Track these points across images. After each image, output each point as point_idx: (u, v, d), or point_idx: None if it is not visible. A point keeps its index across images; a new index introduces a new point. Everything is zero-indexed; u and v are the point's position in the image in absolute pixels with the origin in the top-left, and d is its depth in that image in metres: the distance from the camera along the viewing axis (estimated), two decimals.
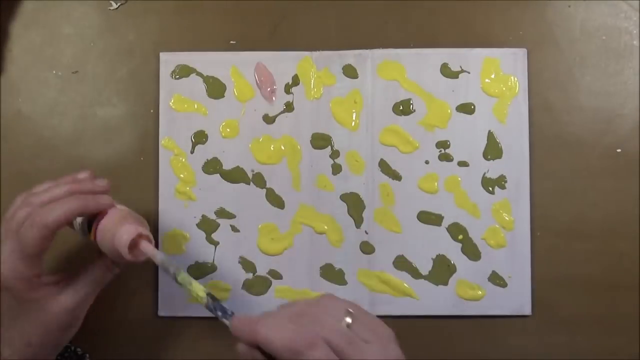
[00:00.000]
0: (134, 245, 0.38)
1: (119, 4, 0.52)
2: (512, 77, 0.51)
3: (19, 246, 0.38)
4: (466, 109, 0.51)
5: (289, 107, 0.51)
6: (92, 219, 0.40)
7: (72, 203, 0.38)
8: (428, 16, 0.52)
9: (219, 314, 0.37)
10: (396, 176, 0.51)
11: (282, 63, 0.51)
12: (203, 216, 0.51)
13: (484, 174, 0.51)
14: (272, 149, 0.51)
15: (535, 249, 0.50)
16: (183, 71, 0.51)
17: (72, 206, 0.38)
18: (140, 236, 0.39)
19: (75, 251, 0.51)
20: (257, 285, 0.50)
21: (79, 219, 0.41)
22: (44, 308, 0.39)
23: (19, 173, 0.51)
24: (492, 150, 0.51)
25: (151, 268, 0.50)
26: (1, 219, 0.41)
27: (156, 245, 0.50)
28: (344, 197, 0.51)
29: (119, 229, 0.38)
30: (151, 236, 0.39)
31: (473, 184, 0.51)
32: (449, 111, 0.51)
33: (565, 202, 0.51)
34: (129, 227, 0.38)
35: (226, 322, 0.36)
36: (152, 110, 0.51)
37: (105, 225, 0.39)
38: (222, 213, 0.51)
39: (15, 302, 0.39)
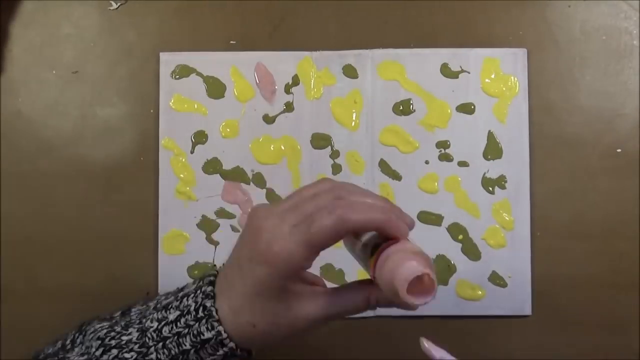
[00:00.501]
0: (415, 286, 0.32)
1: (119, 4, 0.52)
2: (512, 77, 0.51)
3: (306, 227, 0.34)
4: (466, 109, 0.51)
5: (289, 107, 0.51)
6: (379, 243, 0.35)
7: (379, 213, 0.34)
8: (428, 16, 0.52)
9: None
10: (396, 176, 0.51)
11: (282, 63, 0.51)
12: (203, 216, 0.51)
13: (484, 174, 0.51)
14: (272, 149, 0.51)
15: (535, 249, 0.50)
16: (183, 71, 0.51)
17: (378, 216, 0.34)
18: (425, 278, 0.32)
19: None
20: None
21: (365, 237, 0.36)
22: (287, 303, 0.35)
23: (19, 173, 0.51)
24: (492, 150, 0.51)
25: (151, 268, 0.50)
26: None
27: (156, 245, 0.50)
28: None
29: (405, 262, 0.32)
30: (435, 281, 0.33)
31: (473, 184, 0.51)
32: (449, 111, 0.51)
33: (565, 202, 0.51)
34: (417, 263, 0.32)
35: None
36: (152, 110, 0.51)
37: (393, 252, 0.33)
38: (222, 213, 0.51)
39: (267, 285, 0.35)
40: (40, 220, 0.51)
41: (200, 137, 0.51)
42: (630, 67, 0.51)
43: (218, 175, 0.51)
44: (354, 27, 0.52)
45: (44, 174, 0.51)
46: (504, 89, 0.51)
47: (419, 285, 0.32)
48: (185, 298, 0.36)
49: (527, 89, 0.51)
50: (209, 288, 0.36)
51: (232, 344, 0.35)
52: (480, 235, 0.50)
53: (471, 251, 0.50)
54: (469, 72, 0.51)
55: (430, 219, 0.51)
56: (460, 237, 0.50)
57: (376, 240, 0.35)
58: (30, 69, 0.52)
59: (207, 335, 0.35)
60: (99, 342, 0.37)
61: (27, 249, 0.51)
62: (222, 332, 0.35)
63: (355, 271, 0.50)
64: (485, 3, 0.51)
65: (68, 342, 0.38)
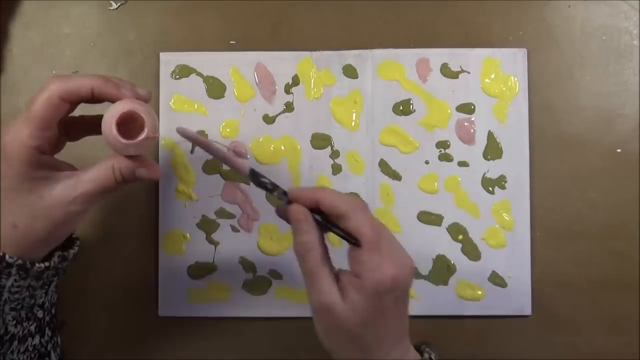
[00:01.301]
0: (134, 130, 0.36)
1: (119, 4, 0.52)
2: (512, 77, 0.51)
3: (26, 112, 0.36)
4: (466, 109, 0.51)
5: (289, 107, 0.51)
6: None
7: (91, 78, 0.37)
8: (428, 16, 0.52)
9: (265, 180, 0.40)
10: (396, 176, 0.51)
11: (282, 63, 0.51)
12: (203, 216, 0.51)
13: (484, 174, 0.51)
14: (272, 149, 0.51)
15: (535, 249, 0.50)
16: (183, 71, 0.51)
17: (89, 80, 0.37)
18: (135, 116, 0.36)
19: None
20: (257, 285, 0.50)
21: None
22: (36, 191, 0.37)
23: None
24: (492, 150, 0.51)
25: (151, 267, 0.50)
26: None
27: (156, 245, 0.50)
28: None
29: (115, 105, 0.36)
30: (150, 116, 0.37)
31: (473, 184, 0.51)
32: (449, 111, 0.51)
33: (565, 202, 0.51)
34: (123, 103, 0.36)
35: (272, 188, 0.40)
36: None
37: (108, 111, 0.36)
38: (222, 213, 0.51)
39: (9, 177, 0.37)
40: None
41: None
42: (630, 67, 0.51)
43: (218, 175, 0.51)
44: (354, 27, 0.52)
45: None
46: (504, 89, 0.51)
47: (136, 128, 0.36)
48: None
49: (527, 89, 0.51)
50: None
51: None
52: (480, 235, 0.50)
53: (471, 251, 0.50)
54: (469, 72, 0.51)
55: (430, 219, 0.51)
56: (460, 237, 0.50)
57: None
58: (30, 69, 0.52)
59: None
60: None
61: None
62: None
63: None
64: (485, 3, 0.51)
65: None
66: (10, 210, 0.37)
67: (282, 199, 0.40)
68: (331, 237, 0.50)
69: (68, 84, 0.36)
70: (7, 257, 0.37)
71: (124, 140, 0.36)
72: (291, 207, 0.39)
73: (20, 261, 0.37)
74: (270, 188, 0.40)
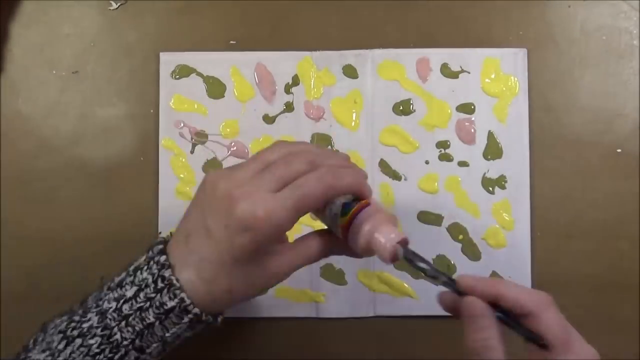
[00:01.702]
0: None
1: (119, 4, 0.52)
2: (512, 77, 0.51)
3: (292, 193, 0.34)
4: (466, 109, 0.51)
5: (289, 107, 0.51)
6: (347, 203, 0.36)
7: (357, 176, 0.36)
8: (428, 16, 0.52)
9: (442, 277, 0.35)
10: (396, 176, 0.51)
11: (282, 63, 0.51)
12: None
13: (484, 174, 0.51)
14: None
15: (535, 249, 0.50)
16: (183, 71, 0.51)
17: (357, 179, 0.36)
18: (400, 243, 0.34)
19: None
20: None
21: (339, 201, 0.36)
22: (262, 263, 0.36)
23: (19, 173, 0.51)
24: (492, 150, 0.51)
25: None
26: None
27: None
28: None
29: (381, 228, 0.35)
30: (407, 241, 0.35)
31: (473, 184, 0.51)
32: (449, 111, 0.51)
33: (565, 202, 0.51)
34: (392, 230, 0.35)
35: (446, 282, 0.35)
36: (152, 110, 0.51)
37: (367, 216, 0.35)
38: None
39: (248, 251, 0.34)
40: (40, 219, 0.51)
41: (200, 137, 0.51)
42: (630, 67, 0.51)
43: (218, 170, 0.51)
44: (354, 27, 0.52)
45: (44, 174, 0.51)
46: (504, 89, 0.51)
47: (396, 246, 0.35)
48: (139, 272, 0.36)
49: (527, 89, 0.51)
50: (162, 257, 0.36)
51: (196, 310, 0.35)
52: (480, 235, 0.50)
53: (471, 251, 0.50)
54: (469, 72, 0.51)
55: (430, 219, 0.51)
56: (460, 237, 0.50)
57: (344, 200, 0.36)
58: (30, 69, 0.52)
59: (170, 304, 0.35)
60: (61, 335, 0.36)
61: (27, 249, 0.51)
62: (186, 298, 0.35)
63: (355, 271, 0.50)
64: (485, 3, 0.51)
65: (30, 342, 0.38)
66: (231, 277, 0.35)
67: (448, 287, 0.35)
68: None
69: (343, 185, 0.35)
70: (203, 316, 0.36)
71: (389, 263, 0.35)
72: (467, 301, 0.34)
73: (210, 319, 0.36)
74: (432, 274, 0.34)
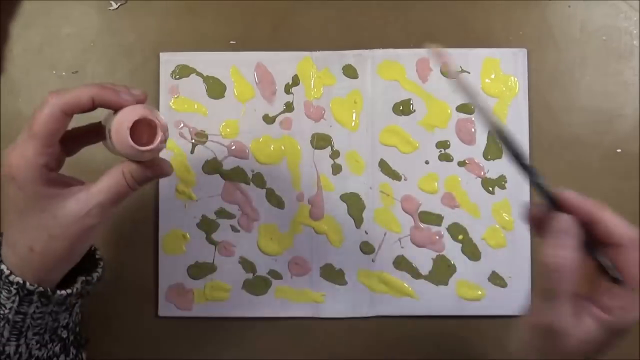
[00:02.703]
0: (144, 134, 0.35)
1: (119, 4, 0.52)
2: (512, 77, 0.51)
3: (29, 130, 0.36)
4: (466, 109, 0.51)
5: (289, 107, 0.51)
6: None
7: (89, 88, 0.36)
8: (428, 16, 0.52)
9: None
10: (396, 176, 0.51)
11: (282, 63, 0.51)
12: (203, 216, 0.51)
13: (484, 174, 0.51)
14: (272, 149, 0.51)
15: (535, 249, 0.50)
16: (183, 71, 0.51)
17: (88, 90, 0.36)
18: (146, 122, 0.35)
19: None
20: (257, 285, 0.50)
21: (108, 126, 0.37)
22: (49, 210, 0.36)
23: None
24: (492, 150, 0.51)
25: (151, 268, 0.50)
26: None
27: (156, 245, 0.50)
28: (344, 197, 0.51)
29: (126, 112, 0.35)
30: (161, 122, 0.36)
31: (473, 184, 0.51)
32: (449, 111, 0.51)
33: None
34: (132, 110, 0.35)
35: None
36: None
37: (117, 120, 0.35)
38: (222, 213, 0.51)
39: (21, 198, 0.36)
40: None
41: (200, 137, 0.51)
42: (630, 67, 0.51)
43: (218, 175, 0.51)
44: (354, 27, 0.52)
45: None
46: (504, 89, 0.51)
47: (150, 133, 0.35)
48: None
49: (527, 89, 0.51)
50: None
51: (18, 279, 0.36)
52: (480, 235, 0.50)
53: (471, 251, 0.50)
54: (469, 72, 0.51)
55: (430, 219, 0.51)
56: (460, 237, 0.50)
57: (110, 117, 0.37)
58: (30, 69, 0.52)
59: None
60: None
61: None
62: (5, 269, 0.36)
63: (355, 271, 0.50)
64: (485, 3, 0.51)
65: None
66: (24, 234, 0.36)
67: (544, 197, 0.34)
68: (330, 237, 0.51)
69: (68, 96, 0.36)
70: (27, 284, 0.36)
71: (141, 148, 0.35)
72: (560, 216, 0.34)
73: (41, 288, 0.36)
74: (534, 173, 0.34)
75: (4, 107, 0.51)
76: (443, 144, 0.51)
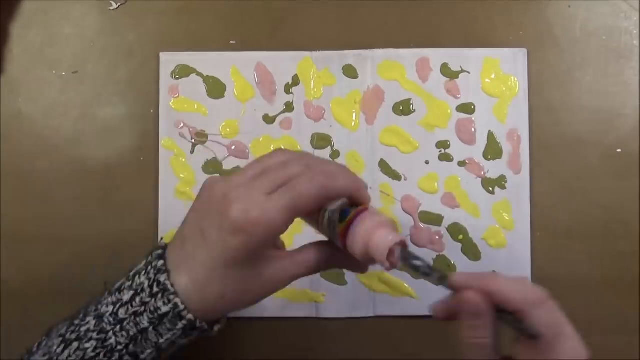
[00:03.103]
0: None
1: (119, 4, 0.52)
2: (512, 77, 0.51)
3: (286, 194, 0.34)
4: (466, 109, 0.51)
5: (289, 107, 0.51)
6: (344, 209, 0.36)
7: (353, 180, 0.36)
8: (428, 16, 0.52)
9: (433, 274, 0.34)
10: (396, 176, 0.51)
11: (282, 63, 0.51)
12: None
13: (484, 174, 0.51)
14: (272, 149, 0.51)
15: (535, 249, 0.50)
16: (183, 71, 0.51)
17: (353, 183, 0.36)
18: (398, 244, 0.34)
19: None
20: None
21: (332, 207, 0.36)
22: (258, 268, 0.35)
23: (19, 173, 0.51)
24: (492, 150, 0.51)
25: None
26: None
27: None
28: None
29: (378, 231, 0.34)
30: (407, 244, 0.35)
31: (473, 184, 0.51)
32: (449, 111, 0.51)
33: (565, 202, 0.51)
34: (390, 233, 0.34)
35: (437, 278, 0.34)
36: (152, 110, 0.51)
37: (364, 220, 0.35)
38: None
39: (242, 249, 0.34)
40: (40, 219, 0.51)
41: (200, 137, 0.51)
42: (630, 67, 0.51)
43: (218, 175, 0.51)
44: (354, 27, 0.52)
45: (44, 174, 0.51)
46: (504, 89, 0.51)
47: (394, 248, 0.34)
48: (137, 276, 0.36)
49: (527, 89, 0.51)
50: (160, 262, 0.35)
51: (190, 316, 0.35)
52: (480, 235, 0.50)
53: (471, 251, 0.50)
54: (469, 72, 0.51)
55: (430, 219, 0.51)
56: (460, 237, 0.50)
57: (342, 207, 0.36)
58: (30, 69, 0.52)
59: (164, 309, 0.34)
60: (60, 338, 0.36)
61: (27, 249, 0.51)
62: (179, 303, 0.34)
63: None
64: (485, 3, 0.51)
65: (35, 346, 0.38)
66: (224, 282, 0.35)
67: (442, 284, 0.34)
68: None
69: (337, 186, 0.35)
70: (197, 322, 0.35)
71: (387, 266, 0.34)
72: (467, 296, 0.33)
73: (205, 325, 0.36)
74: (425, 272, 0.34)
75: (4, 107, 0.51)
76: (443, 144, 0.51)
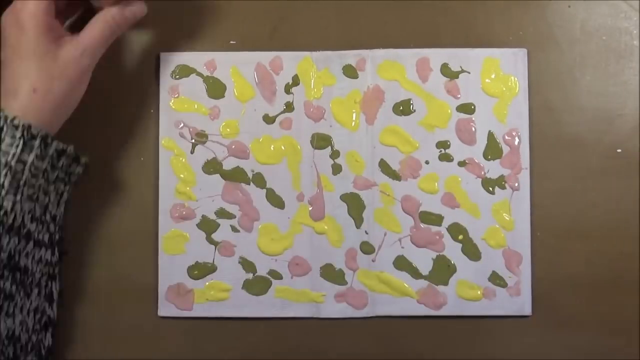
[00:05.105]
0: None
1: None
2: (512, 77, 0.51)
3: None
4: (466, 109, 0.51)
5: (289, 107, 0.51)
6: None
7: None
8: (428, 16, 0.52)
9: None
10: (396, 176, 0.51)
11: (282, 63, 0.51)
12: (203, 216, 0.51)
13: (484, 174, 0.51)
14: (272, 149, 0.51)
15: (535, 249, 0.50)
16: (183, 71, 0.51)
17: None
18: None
19: None
20: (257, 285, 0.50)
21: None
22: (50, 53, 0.40)
23: None
24: (492, 150, 0.51)
25: (151, 268, 0.50)
26: None
27: (156, 245, 0.50)
28: (344, 197, 0.51)
29: None
30: None
31: (473, 184, 0.51)
32: (449, 111, 0.51)
33: (565, 202, 0.51)
34: None
35: None
36: (152, 110, 0.51)
37: None
38: (222, 213, 0.51)
39: (25, 41, 0.39)
40: None
41: (200, 137, 0.51)
42: (630, 67, 0.51)
43: (218, 175, 0.51)
44: (354, 27, 0.52)
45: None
46: (504, 89, 0.51)
47: None
48: None
49: (527, 89, 0.51)
50: None
51: (23, 121, 0.38)
52: (480, 235, 0.50)
53: (471, 251, 0.50)
54: (469, 72, 0.51)
55: (430, 219, 0.51)
56: (460, 237, 0.50)
57: None
58: None
59: None
60: None
61: None
62: (9, 114, 0.38)
63: (356, 272, 0.50)
64: (485, 3, 0.51)
65: None
66: (27, 77, 0.39)
67: None
68: (330, 237, 0.51)
69: None
70: (32, 128, 0.38)
71: None
72: None
73: (44, 132, 0.39)
74: None
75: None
76: (443, 144, 0.51)
